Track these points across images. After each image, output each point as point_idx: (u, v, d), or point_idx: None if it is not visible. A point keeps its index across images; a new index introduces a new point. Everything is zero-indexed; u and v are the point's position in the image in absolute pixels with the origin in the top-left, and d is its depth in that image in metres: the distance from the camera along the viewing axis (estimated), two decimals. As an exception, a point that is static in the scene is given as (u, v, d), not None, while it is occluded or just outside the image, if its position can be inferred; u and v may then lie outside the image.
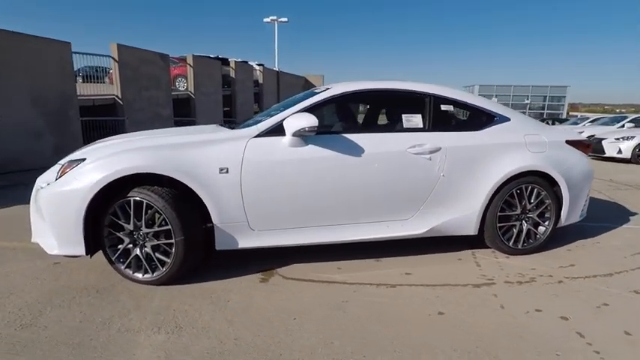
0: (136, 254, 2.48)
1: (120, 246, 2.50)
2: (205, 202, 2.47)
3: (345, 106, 2.93)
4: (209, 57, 14.95)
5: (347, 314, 2.20)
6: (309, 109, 2.71)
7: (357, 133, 2.75)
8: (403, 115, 2.91)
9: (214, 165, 2.48)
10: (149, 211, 2.40)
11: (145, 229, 2.43)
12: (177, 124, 11.79)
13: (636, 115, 13.60)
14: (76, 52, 8.49)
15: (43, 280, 2.61)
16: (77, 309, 2.22)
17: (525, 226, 3.12)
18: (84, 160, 2.42)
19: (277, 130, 2.63)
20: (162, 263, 2.48)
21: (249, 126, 2.73)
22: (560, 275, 2.78)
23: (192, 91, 13.36)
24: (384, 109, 3.13)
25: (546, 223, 3.17)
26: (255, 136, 2.60)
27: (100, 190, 2.33)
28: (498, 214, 3.02)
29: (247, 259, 2.94)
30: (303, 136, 2.59)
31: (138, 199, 2.38)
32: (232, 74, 16.55)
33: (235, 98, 16.67)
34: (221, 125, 3.31)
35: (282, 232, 2.68)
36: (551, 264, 2.99)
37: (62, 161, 2.60)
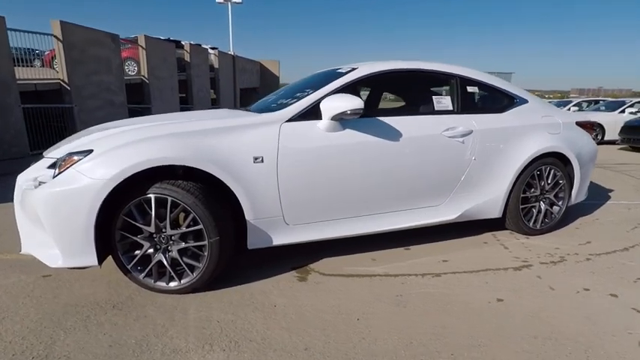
0: (159, 260, 2.14)
1: (137, 252, 2.14)
2: (238, 196, 2.17)
3: (376, 87, 2.73)
4: (160, 39, 13.82)
5: (409, 309, 2.07)
6: (340, 91, 2.49)
7: (391, 116, 2.59)
8: (434, 97, 2.79)
9: (249, 153, 2.19)
10: (174, 210, 2.07)
11: (169, 231, 2.10)
12: (133, 112, 10.80)
13: (581, 99, 14.87)
14: (11, 29, 7.34)
15: (38, 298, 2.17)
16: (99, 331, 1.86)
17: (543, 207, 3.18)
18: (90, 151, 2.01)
19: (310, 113, 2.38)
20: (192, 268, 2.16)
21: (272, 110, 2.45)
22: (585, 253, 2.87)
23: (146, 76, 12.27)
24: (413, 91, 2.98)
25: (560, 202, 3.26)
26: (287, 121, 2.34)
27: (116, 187, 1.95)
28: (521, 195, 3.05)
29: (275, 255, 2.69)
30: (342, 120, 2.37)
31: (161, 196, 2.04)
32: (187, 58, 15.47)
33: (191, 84, 15.64)
34: (235, 109, 2.97)
35: (318, 226, 2.47)
36: (570, 242, 3.08)
37: (55, 154, 2.15)
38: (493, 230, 3.31)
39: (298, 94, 2.63)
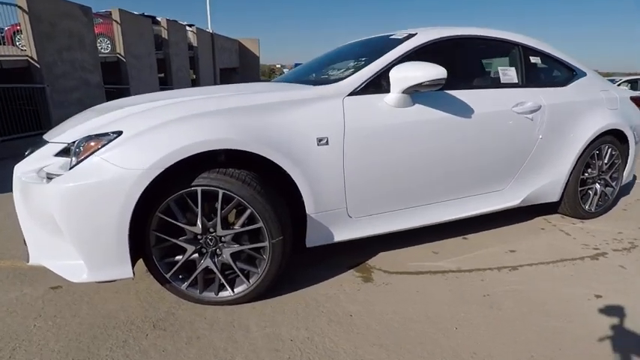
0: (206, 266, 1.76)
1: (178, 257, 1.75)
2: (299, 186, 1.80)
3: (436, 57, 2.38)
4: (134, 14, 12.77)
5: (506, 312, 1.79)
6: (400, 61, 2.12)
7: (458, 90, 2.25)
8: (499, 68, 2.47)
9: (312, 134, 1.80)
10: (227, 206, 1.67)
11: (220, 231, 1.71)
12: (111, 94, 9.94)
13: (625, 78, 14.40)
14: (-34, -2, 6.41)
15: (53, 318, 1.74)
16: (145, 360, 1.49)
17: (599, 189, 2.97)
18: (118, 133, 1.58)
19: (371, 86, 2.01)
20: (248, 274, 1.80)
21: (326, 82, 2.06)
22: (651, 236, 2.70)
23: (122, 54, 11.29)
24: (477, 60, 2.64)
25: (614, 183, 3.06)
26: (349, 94, 1.96)
27: (156, 178, 1.54)
28: (580, 177, 2.82)
29: (324, 253, 2.33)
30: (413, 94, 2.02)
31: (211, 188, 1.63)
32: (164, 35, 14.40)
33: (170, 63, 14.63)
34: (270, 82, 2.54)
35: (383, 218, 2.13)
36: (630, 226, 2.89)
37: (64, 138, 1.69)
38: (541, 214, 3.09)
39: (351, 64, 2.25)
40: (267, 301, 1.86)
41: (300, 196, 1.84)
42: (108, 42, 11.47)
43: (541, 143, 2.52)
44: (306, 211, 1.86)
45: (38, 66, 7.70)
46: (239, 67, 24.43)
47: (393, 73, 1.95)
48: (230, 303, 1.80)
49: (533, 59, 2.61)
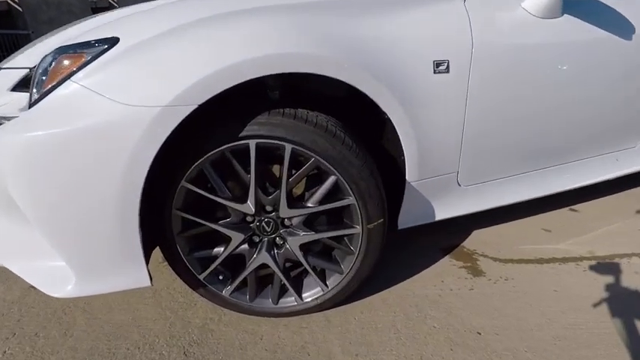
0: (261, 264, 1.17)
1: (218, 249, 1.15)
2: (402, 139, 1.17)
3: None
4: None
5: None
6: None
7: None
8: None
9: (428, 55, 1.11)
10: (298, 171, 1.03)
11: (287, 211, 1.07)
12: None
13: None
14: None
15: (34, 338, 1.19)
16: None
17: None
18: (113, 42, 0.91)
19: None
20: (323, 274, 1.21)
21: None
22: None
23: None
24: None
25: None
26: (471, -4, 1.26)
27: (183, 122, 0.89)
28: None
29: (404, 233, 1.70)
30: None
31: (271, 141, 0.98)
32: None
33: None
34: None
35: (496, 186, 1.51)
36: None
37: (21, 61, 1.04)
38: (633, 184, 2.47)
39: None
40: (346, 309, 1.29)
41: (399, 156, 1.21)
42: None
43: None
44: (406, 178, 1.24)
45: (20, 9, 6.77)
46: None
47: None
48: (296, 314, 1.23)
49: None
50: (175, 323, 1.23)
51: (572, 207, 2.05)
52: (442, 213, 1.39)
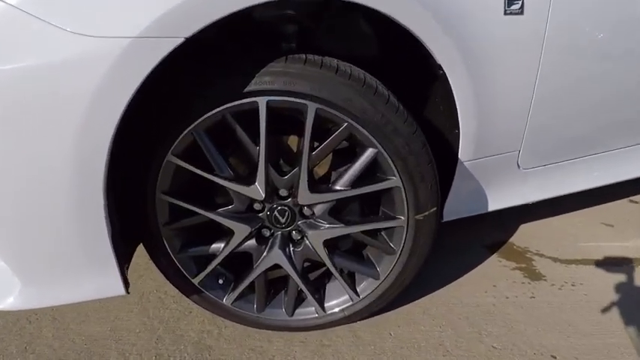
0: (273, 263, 0.92)
1: (217, 245, 0.90)
2: (459, 104, 0.89)
3: None
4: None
5: None
6: None
7: None
8: None
9: (497, -9, 0.86)
10: (326, 141, 0.76)
11: (308, 195, 0.79)
12: None
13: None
14: None
15: (0, 341, 0.95)
16: None
17: None
18: None
19: None
20: (353, 279, 0.96)
21: None
22: None
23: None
24: None
25: None
26: None
27: (164, 62, 0.62)
28: None
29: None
30: None
31: (289, 99, 0.70)
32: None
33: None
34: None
35: (561, 169, 1.23)
36: None
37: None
38: None
39: None
40: (378, 321, 1.02)
41: (450, 128, 0.94)
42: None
43: None
44: (459, 156, 0.98)
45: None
46: None
47: None
48: (316, 328, 0.98)
49: None
50: (164, 337, 0.99)
51: (632, 198, 1.76)
52: (497, 202, 1.11)
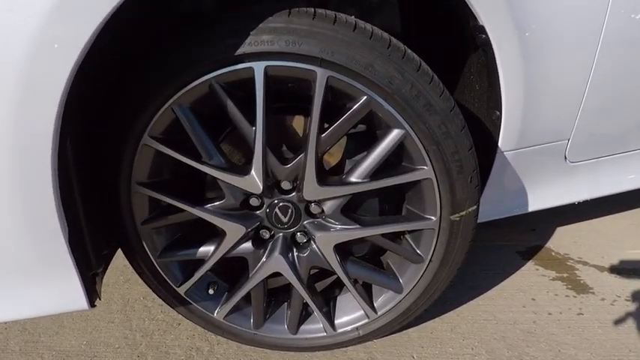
0: (273, 271, 0.77)
1: (206, 248, 0.75)
2: (503, 81, 0.73)
3: None
4: None
5: None
6: None
7: None
8: None
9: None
10: (340, 118, 0.61)
11: (316, 187, 0.64)
12: None
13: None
14: None
15: None
16: None
17: None
18: None
19: None
20: (369, 293, 0.79)
21: None
22: None
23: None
24: None
25: None
26: None
27: (121, 15, 0.49)
28: None
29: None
30: None
31: (294, 65, 0.55)
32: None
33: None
34: None
35: (613, 164, 1.07)
36: None
37: None
38: None
39: None
40: (397, 340, 0.86)
41: (489, 111, 0.78)
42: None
43: None
44: (499, 145, 0.81)
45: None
46: None
47: None
48: (324, 348, 0.83)
49: None
50: (146, 354, 0.84)
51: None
52: (540, 200, 0.94)
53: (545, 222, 1.37)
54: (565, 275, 1.10)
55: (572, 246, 1.25)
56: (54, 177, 0.50)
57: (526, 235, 1.30)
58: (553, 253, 1.20)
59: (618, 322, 0.92)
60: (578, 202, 1.03)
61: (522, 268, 1.14)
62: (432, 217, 0.65)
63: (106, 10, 0.45)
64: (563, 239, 1.28)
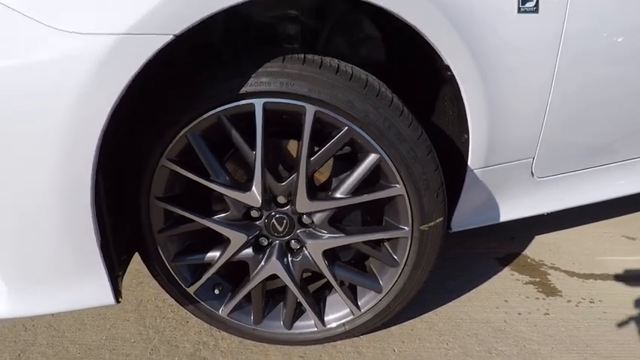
0: (270, 274, 0.87)
1: (213, 254, 0.86)
2: (468, 109, 0.84)
3: None
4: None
5: None
6: None
7: None
8: None
9: (510, -13, 0.82)
10: (323, 145, 0.73)
11: (307, 203, 0.75)
12: None
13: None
14: None
15: None
16: None
17: None
18: None
19: None
20: (354, 292, 0.91)
21: None
22: None
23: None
24: None
25: None
26: None
27: (152, 61, 0.59)
28: None
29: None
30: None
31: (286, 102, 0.66)
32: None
33: None
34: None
35: (578, 178, 1.18)
36: None
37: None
38: None
39: None
40: (381, 336, 0.97)
41: (458, 134, 0.89)
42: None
43: None
44: (468, 164, 0.93)
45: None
46: None
47: None
48: (315, 342, 0.93)
49: None
50: (159, 348, 0.96)
51: (653, 208, 1.68)
52: (509, 212, 1.06)
53: (524, 231, 1.48)
54: (537, 280, 1.21)
55: (547, 253, 1.35)
56: (92, 194, 0.62)
57: (505, 243, 1.41)
58: (529, 260, 1.31)
59: (580, 321, 1.02)
60: (549, 213, 1.14)
61: (499, 273, 1.24)
62: (405, 227, 0.77)
63: (132, 71, 0.56)
64: (539, 247, 1.39)
